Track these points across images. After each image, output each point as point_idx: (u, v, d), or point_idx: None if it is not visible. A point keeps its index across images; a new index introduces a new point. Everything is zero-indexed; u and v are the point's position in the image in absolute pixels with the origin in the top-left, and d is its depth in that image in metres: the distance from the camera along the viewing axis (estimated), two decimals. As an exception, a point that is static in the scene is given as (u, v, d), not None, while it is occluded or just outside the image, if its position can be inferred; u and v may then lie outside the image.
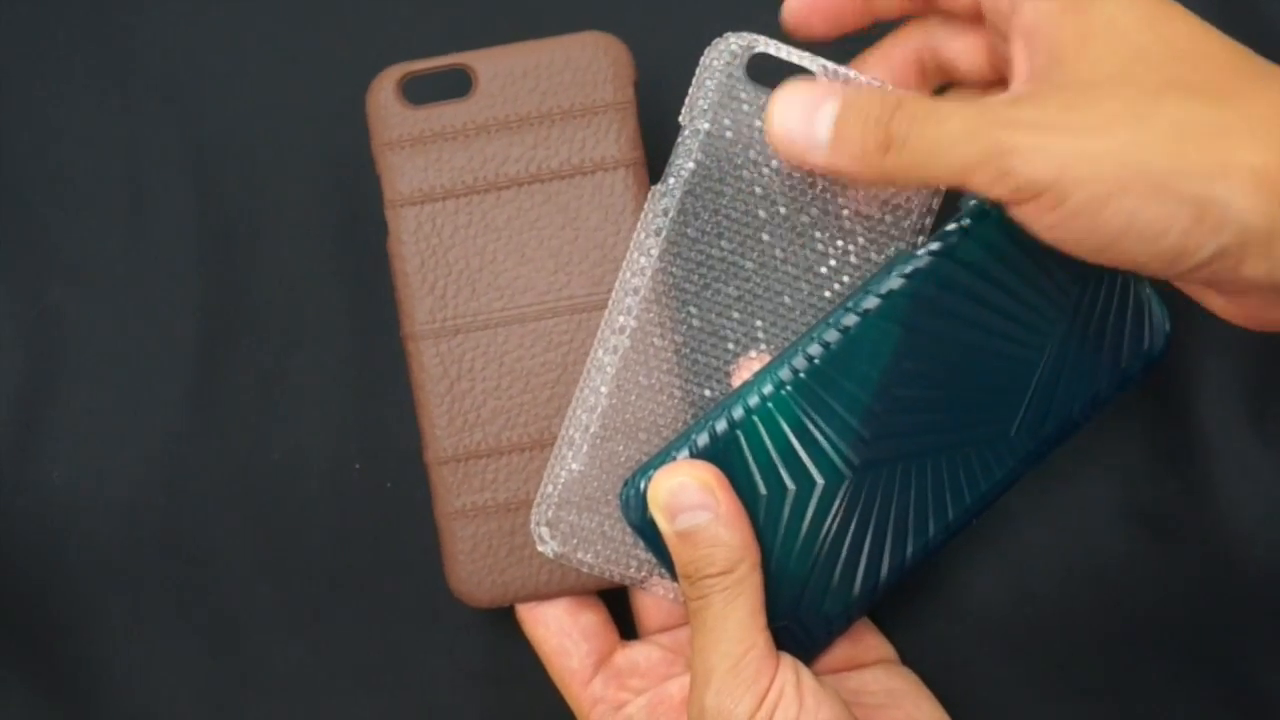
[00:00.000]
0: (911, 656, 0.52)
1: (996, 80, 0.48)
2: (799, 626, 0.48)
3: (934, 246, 0.47)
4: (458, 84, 0.50)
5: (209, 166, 0.55)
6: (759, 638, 0.45)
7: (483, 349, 0.50)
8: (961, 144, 0.41)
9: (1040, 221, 0.41)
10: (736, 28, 0.48)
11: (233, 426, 0.54)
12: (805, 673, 0.46)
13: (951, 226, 0.47)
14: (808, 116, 0.43)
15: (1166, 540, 0.53)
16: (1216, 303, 0.45)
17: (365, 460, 0.54)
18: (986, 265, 0.47)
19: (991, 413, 0.48)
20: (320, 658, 0.54)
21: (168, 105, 0.55)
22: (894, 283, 0.47)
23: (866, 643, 0.51)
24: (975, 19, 0.47)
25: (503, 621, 0.53)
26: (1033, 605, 0.53)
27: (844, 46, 0.50)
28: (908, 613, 0.53)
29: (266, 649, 0.54)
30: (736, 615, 0.45)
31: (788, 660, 0.46)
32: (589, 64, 0.49)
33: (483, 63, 0.50)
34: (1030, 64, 0.43)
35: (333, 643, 0.54)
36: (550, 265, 0.50)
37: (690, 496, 0.46)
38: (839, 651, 0.50)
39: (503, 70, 0.50)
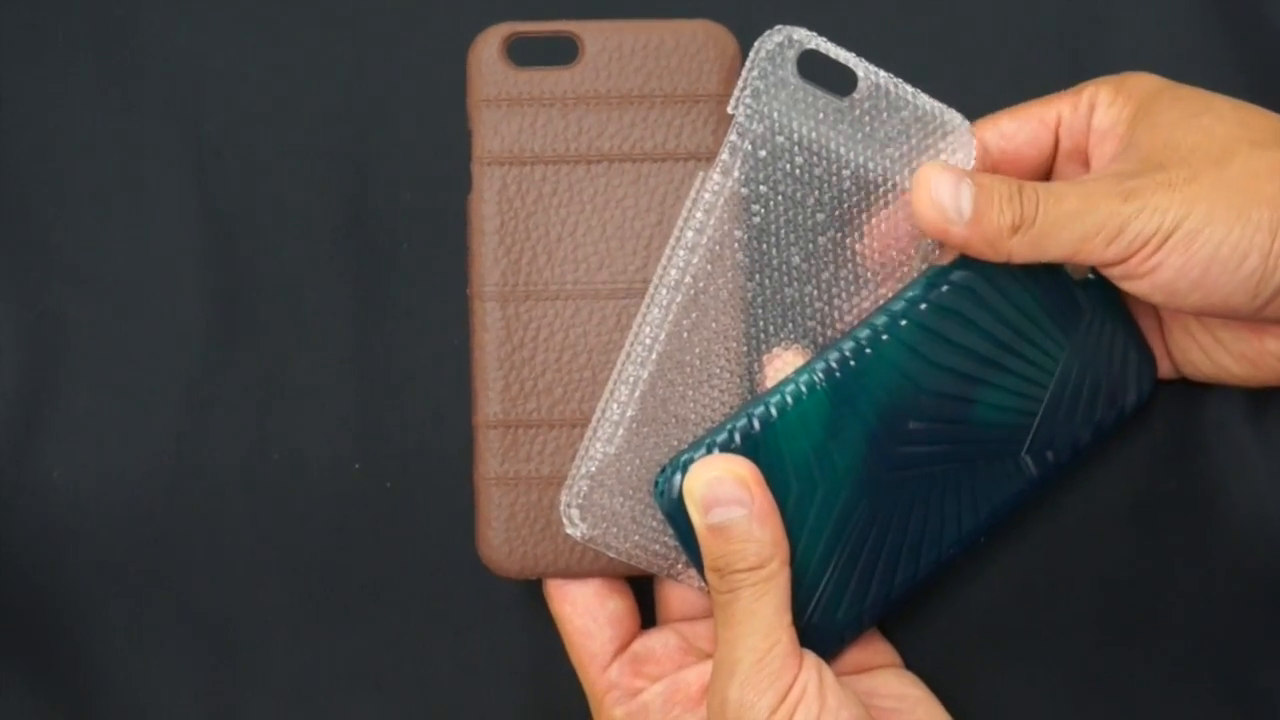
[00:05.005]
0: (913, 657, 0.52)
1: None
2: (813, 631, 0.48)
3: (964, 260, 0.48)
4: (563, 52, 0.50)
5: (209, 166, 0.55)
6: (784, 634, 0.46)
7: (549, 319, 0.49)
8: (1080, 218, 0.45)
9: (1139, 269, 0.45)
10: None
11: (233, 426, 0.54)
12: (828, 673, 0.46)
13: None
14: (954, 193, 0.45)
15: (1166, 540, 0.53)
16: None
17: (365, 460, 0.54)
18: (1008, 284, 0.48)
19: (1006, 429, 0.48)
20: (320, 657, 0.54)
21: (168, 105, 0.55)
22: (924, 291, 0.48)
23: (874, 647, 0.51)
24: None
25: (504, 619, 0.53)
26: (1033, 605, 0.53)
27: (892, 54, 0.50)
28: (909, 614, 0.53)
29: (266, 649, 0.54)
30: (764, 610, 0.45)
31: (811, 659, 0.46)
32: (697, 52, 0.49)
33: (591, 34, 0.50)
34: (1112, 152, 0.48)
35: (333, 642, 0.54)
36: (630, 246, 0.49)
37: (726, 491, 0.46)
38: (848, 655, 0.50)
39: (611, 44, 0.50)
